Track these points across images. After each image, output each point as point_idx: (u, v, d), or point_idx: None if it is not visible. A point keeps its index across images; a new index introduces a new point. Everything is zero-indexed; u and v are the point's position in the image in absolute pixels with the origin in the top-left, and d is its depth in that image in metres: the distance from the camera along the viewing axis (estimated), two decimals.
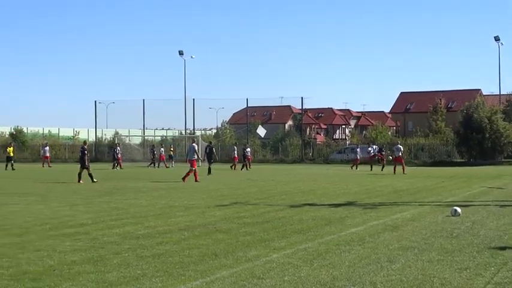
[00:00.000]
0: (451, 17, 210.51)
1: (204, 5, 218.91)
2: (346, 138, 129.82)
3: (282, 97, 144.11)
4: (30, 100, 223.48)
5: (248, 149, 58.91)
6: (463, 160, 68.41)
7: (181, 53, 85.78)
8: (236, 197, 25.33)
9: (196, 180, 35.46)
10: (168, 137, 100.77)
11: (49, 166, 62.82)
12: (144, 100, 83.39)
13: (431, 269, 10.72)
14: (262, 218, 17.88)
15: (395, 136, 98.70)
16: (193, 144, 38.23)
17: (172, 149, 69.15)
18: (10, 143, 65.73)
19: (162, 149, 66.80)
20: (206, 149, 50.78)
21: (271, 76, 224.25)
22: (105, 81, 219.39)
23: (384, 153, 53.49)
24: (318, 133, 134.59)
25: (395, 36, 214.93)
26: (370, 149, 56.33)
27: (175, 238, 14.22)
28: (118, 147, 62.46)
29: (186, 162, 38.55)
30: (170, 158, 66.35)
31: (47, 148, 67.06)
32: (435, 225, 16.32)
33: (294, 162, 72.06)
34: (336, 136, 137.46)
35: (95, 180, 35.13)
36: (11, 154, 58.20)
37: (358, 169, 53.87)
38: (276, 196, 25.63)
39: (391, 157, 50.63)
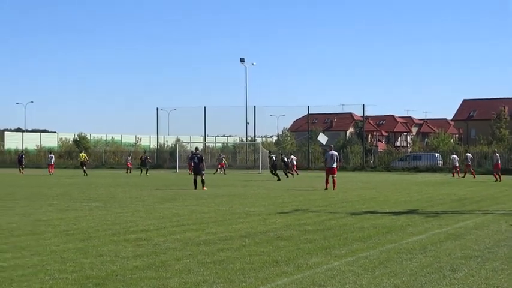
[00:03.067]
0: None
1: (266, 12, 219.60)
2: (407, 146, 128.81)
3: (343, 104, 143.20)
4: (93, 107, 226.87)
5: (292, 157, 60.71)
6: None
7: (242, 60, 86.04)
8: (297, 204, 25.28)
9: (334, 188, 34.40)
10: (229, 144, 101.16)
11: (129, 172, 64.15)
12: (205, 107, 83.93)
13: (495, 278, 10.57)
14: (323, 226, 17.81)
15: (458, 144, 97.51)
16: (333, 151, 36.74)
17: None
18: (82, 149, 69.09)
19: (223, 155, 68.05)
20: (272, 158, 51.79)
21: (333, 83, 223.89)
22: (167, 88, 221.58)
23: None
24: (379, 140, 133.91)
25: (458, 43, 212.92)
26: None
27: (236, 245, 14.24)
28: (222, 154, 66.66)
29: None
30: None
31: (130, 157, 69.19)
32: (499, 234, 16.09)
33: (355, 169, 71.68)
34: (398, 144, 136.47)
35: (204, 188, 34.94)
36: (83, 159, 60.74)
37: (459, 177, 53.71)
38: (337, 203, 25.52)
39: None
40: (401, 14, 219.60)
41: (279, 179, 46.70)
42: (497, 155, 49.41)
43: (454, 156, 57.72)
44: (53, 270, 11.24)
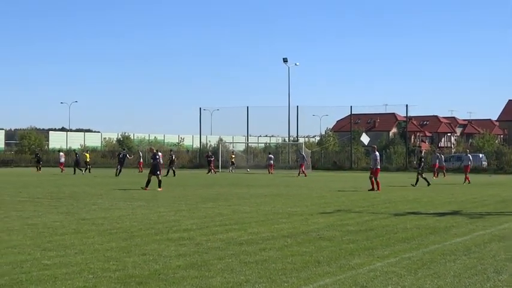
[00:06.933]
0: None
1: (309, 12, 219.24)
2: (451, 147, 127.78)
3: (386, 104, 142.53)
4: (137, 107, 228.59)
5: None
6: None
7: (285, 60, 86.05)
8: (339, 204, 25.21)
9: (372, 189, 34.01)
10: (271, 144, 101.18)
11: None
12: (248, 107, 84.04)
13: None
14: (366, 226, 17.75)
15: (503, 145, 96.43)
16: (377, 152, 36.34)
17: (233, 156, 72.61)
18: (87, 150, 76.39)
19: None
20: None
21: (376, 83, 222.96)
22: (210, 88, 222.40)
23: None
24: (422, 141, 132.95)
25: (504, 42, 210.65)
26: None
27: (279, 245, 14.24)
28: (271, 155, 68.34)
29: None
30: (232, 164, 70.21)
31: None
32: None
33: (398, 170, 71.28)
34: (441, 144, 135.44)
35: (159, 188, 33.84)
36: (88, 159, 65.58)
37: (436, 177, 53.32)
38: (380, 204, 25.41)
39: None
40: (445, 13, 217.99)
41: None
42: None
43: (437, 154, 57.75)
44: (97, 268, 11.33)
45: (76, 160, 62.38)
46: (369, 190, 34.02)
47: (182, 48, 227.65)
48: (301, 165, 58.37)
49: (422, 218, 20.20)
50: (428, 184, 39.02)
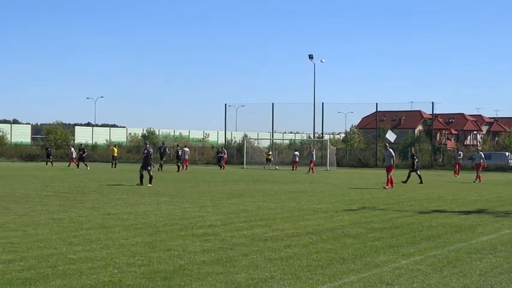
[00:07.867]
0: None
1: (334, 9, 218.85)
2: (477, 145, 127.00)
3: (412, 102, 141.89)
4: (162, 103, 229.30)
5: (297, 153, 67.51)
6: None
7: (311, 57, 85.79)
8: (364, 201, 25.16)
9: (388, 187, 34.14)
10: (296, 141, 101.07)
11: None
12: (273, 104, 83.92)
13: None
14: (391, 224, 17.70)
15: None
16: (390, 150, 36.54)
17: (270, 153, 72.50)
18: (115, 145, 78.00)
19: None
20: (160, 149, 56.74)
21: (402, 80, 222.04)
22: (235, 84, 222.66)
23: None
24: (448, 139, 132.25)
25: None
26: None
27: (303, 241, 14.23)
28: (296, 152, 68.97)
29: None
30: (269, 161, 69.93)
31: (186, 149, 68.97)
32: None
33: (423, 168, 70.84)
34: (467, 142, 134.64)
35: (150, 184, 33.33)
36: (115, 154, 66.52)
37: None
38: (405, 202, 25.32)
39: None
40: (470, 12, 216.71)
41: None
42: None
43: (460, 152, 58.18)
44: (122, 263, 11.37)
45: (81, 155, 61.42)
46: (393, 187, 34.04)
47: (208, 44, 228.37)
48: (310, 161, 59.42)
49: (447, 216, 20.12)
50: (421, 182, 39.87)
